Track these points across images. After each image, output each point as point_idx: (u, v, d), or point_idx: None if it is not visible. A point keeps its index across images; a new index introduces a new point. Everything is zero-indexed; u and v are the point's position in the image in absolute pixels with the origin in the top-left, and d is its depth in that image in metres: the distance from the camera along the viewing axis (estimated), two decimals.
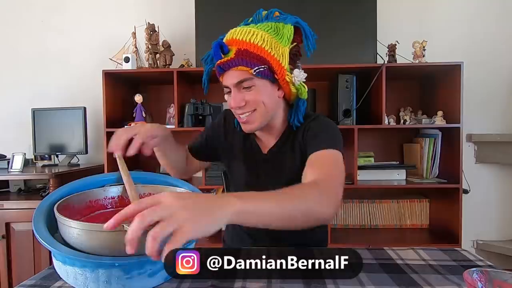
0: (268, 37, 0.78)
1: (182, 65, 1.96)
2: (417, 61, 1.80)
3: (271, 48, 0.78)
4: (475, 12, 2.07)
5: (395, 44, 1.85)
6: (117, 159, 0.70)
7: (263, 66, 0.78)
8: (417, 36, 1.89)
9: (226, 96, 0.84)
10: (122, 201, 0.69)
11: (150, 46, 1.94)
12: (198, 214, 0.44)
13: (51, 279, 0.54)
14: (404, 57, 1.86)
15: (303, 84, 0.82)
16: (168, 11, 2.17)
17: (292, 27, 0.80)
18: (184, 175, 1.01)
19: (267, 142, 0.93)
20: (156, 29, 1.96)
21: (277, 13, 0.84)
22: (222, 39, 0.82)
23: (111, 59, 2.03)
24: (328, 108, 2.05)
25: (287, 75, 0.81)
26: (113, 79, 1.93)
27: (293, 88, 0.83)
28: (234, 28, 0.82)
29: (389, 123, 1.83)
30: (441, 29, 2.08)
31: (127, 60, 1.88)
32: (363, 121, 1.87)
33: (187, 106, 1.86)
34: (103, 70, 1.86)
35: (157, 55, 1.96)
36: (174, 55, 1.98)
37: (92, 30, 2.23)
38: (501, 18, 2.06)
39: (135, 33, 1.99)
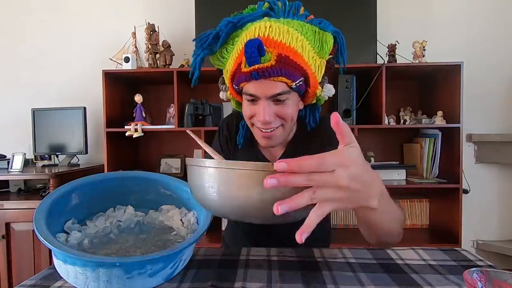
0: (307, 44, 0.67)
1: (182, 65, 1.96)
2: (417, 61, 1.80)
3: (309, 58, 0.67)
4: (475, 12, 2.07)
5: (395, 44, 1.86)
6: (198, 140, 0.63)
7: (301, 79, 0.67)
8: (417, 36, 1.89)
9: (246, 105, 0.71)
10: None
11: (150, 46, 1.94)
12: (365, 189, 0.40)
13: (51, 279, 0.54)
14: (404, 57, 1.86)
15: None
16: (168, 11, 2.17)
17: (332, 37, 0.70)
18: None
19: (274, 151, 0.84)
20: (156, 29, 1.97)
21: (303, 10, 0.73)
22: (237, 22, 0.68)
23: (111, 59, 2.03)
24: (328, 108, 2.05)
25: (318, 89, 0.73)
26: (113, 79, 1.93)
27: (314, 100, 0.76)
28: (265, 20, 0.67)
29: (389, 123, 1.83)
30: (441, 29, 2.08)
31: (127, 60, 1.88)
32: (363, 121, 1.87)
33: (187, 106, 1.86)
34: (103, 70, 1.86)
35: (157, 55, 1.96)
36: (174, 55, 1.98)
37: (92, 30, 2.23)
38: (501, 18, 2.06)
39: (135, 33, 1.99)
